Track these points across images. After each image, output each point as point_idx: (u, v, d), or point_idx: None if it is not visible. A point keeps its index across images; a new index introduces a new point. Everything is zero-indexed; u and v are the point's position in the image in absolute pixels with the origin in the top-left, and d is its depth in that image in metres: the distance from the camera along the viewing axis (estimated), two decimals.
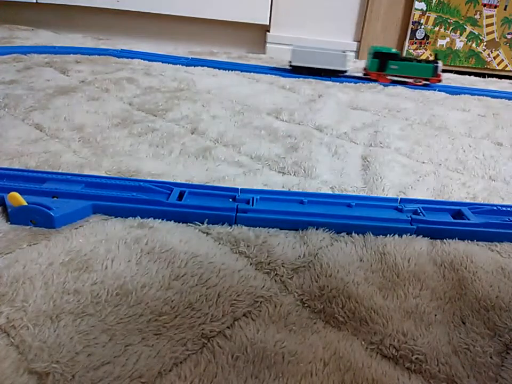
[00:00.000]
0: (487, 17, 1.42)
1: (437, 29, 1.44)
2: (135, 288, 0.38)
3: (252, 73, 1.14)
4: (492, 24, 1.43)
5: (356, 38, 1.50)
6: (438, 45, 1.46)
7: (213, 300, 0.38)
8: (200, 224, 0.48)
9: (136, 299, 0.37)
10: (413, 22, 1.43)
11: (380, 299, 0.40)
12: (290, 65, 1.18)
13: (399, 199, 0.55)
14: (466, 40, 1.45)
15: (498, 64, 1.48)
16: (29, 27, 1.42)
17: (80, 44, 1.29)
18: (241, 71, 1.16)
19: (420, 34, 1.45)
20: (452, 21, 1.43)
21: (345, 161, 0.69)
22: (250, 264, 0.43)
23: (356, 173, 0.65)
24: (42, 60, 1.07)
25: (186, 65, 1.15)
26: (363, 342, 0.36)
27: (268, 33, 1.49)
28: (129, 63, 1.12)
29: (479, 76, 1.41)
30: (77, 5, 1.40)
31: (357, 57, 1.50)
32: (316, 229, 0.49)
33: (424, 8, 1.42)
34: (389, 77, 1.16)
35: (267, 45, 1.50)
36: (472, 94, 1.15)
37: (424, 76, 1.16)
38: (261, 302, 0.38)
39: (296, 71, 1.17)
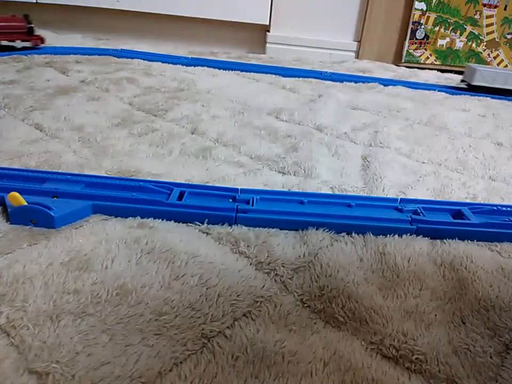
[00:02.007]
0: (487, 17, 1.42)
1: (437, 29, 1.44)
2: (135, 288, 0.38)
3: (252, 73, 1.14)
4: (492, 24, 1.43)
5: (356, 38, 1.50)
6: (438, 45, 1.46)
7: (213, 300, 0.38)
8: (200, 224, 0.48)
9: (136, 299, 0.37)
10: (413, 22, 1.43)
11: (379, 299, 0.40)
12: (467, 84, 1.19)
13: (399, 199, 0.55)
14: (466, 40, 1.45)
15: (498, 64, 1.48)
16: None
17: (80, 43, 1.29)
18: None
19: (419, 34, 1.45)
20: (452, 21, 1.43)
21: (345, 161, 0.69)
22: (250, 264, 0.43)
23: (356, 173, 0.65)
24: (42, 60, 1.07)
25: (186, 65, 1.16)
26: (363, 342, 0.36)
27: (267, 33, 1.49)
28: (129, 63, 1.12)
29: None
30: (77, 5, 1.40)
31: (357, 57, 1.50)
32: (316, 229, 0.49)
33: (424, 8, 1.42)
34: None
35: (267, 45, 1.50)
36: (471, 94, 1.15)
37: None
38: (261, 302, 0.38)
39: (475, 90, 1.17)
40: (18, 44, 1.12)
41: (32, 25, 1.10)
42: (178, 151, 0.67)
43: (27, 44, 1.12)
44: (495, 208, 0.55)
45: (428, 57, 1.48)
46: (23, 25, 1.09)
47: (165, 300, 0.37)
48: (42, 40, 1.14)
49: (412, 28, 1.44)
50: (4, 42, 1.11)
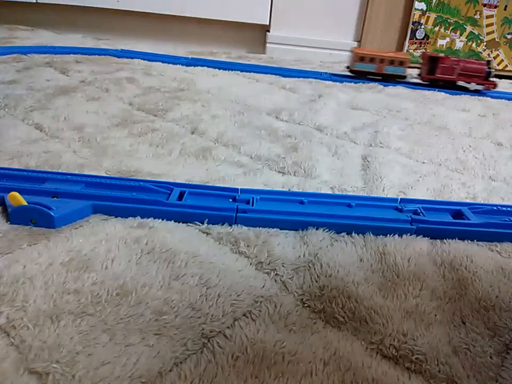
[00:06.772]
0: (487, 17, 1.42)
1: (437, 29, 1.44)
2: (135, 288, 0.38)
3: (252, 73, 1.14)
4: (492, 24, 1.43)
5: (356, 38, 1.50)
6: (438, 45, 1.46)
7: (213, 300, 0.38)
8: (200, 224, 0.48)
9: (136, 299, 0.37)
10: (413, 22, 1.43)
11: (380, 299, 0.40)
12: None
13: (399, 199, 0.55)
14: (466, 40, 1.45)
15: (498, 64, 1.48)
16: (29, 27, 1.42)
17: (80, 43, 1.29)
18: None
19: (420, 34, 1.45)
20: (452, 21, 1.43)
21: (345, 161, 0.69)
22: (250, 264, 0.43)
23: (356, 173, 0.65)
24: (42, 59, 1.07)
25: (186, 65, 1.16)
26: (363, 342, 0.36)
27: (267, 33, 1.49)
28: (129, 63, 1.12)
29: None
30: (77, 5, 1.40)
31: None
32: (316, 229, 0.49)
33: (424, 8, 1.42)
34: None
35: (267, 45, 1.50)
36: (472, 94, 1.15)
37: None
38: (261, 302, 0.38)
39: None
40: (472, 86, 1.17)
41: (491, 71, 1.14)
42: (178, 151, 0.67)
43: (479, 87, 1.16)
44: (495, 208, 0.55)
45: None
46: (482, 69, 1.13)
47: (165, 299, 0.37)
48: (495, 85, 1.16)
49: (412, 28, 1.44)
50: (461, 83, 1.17)
